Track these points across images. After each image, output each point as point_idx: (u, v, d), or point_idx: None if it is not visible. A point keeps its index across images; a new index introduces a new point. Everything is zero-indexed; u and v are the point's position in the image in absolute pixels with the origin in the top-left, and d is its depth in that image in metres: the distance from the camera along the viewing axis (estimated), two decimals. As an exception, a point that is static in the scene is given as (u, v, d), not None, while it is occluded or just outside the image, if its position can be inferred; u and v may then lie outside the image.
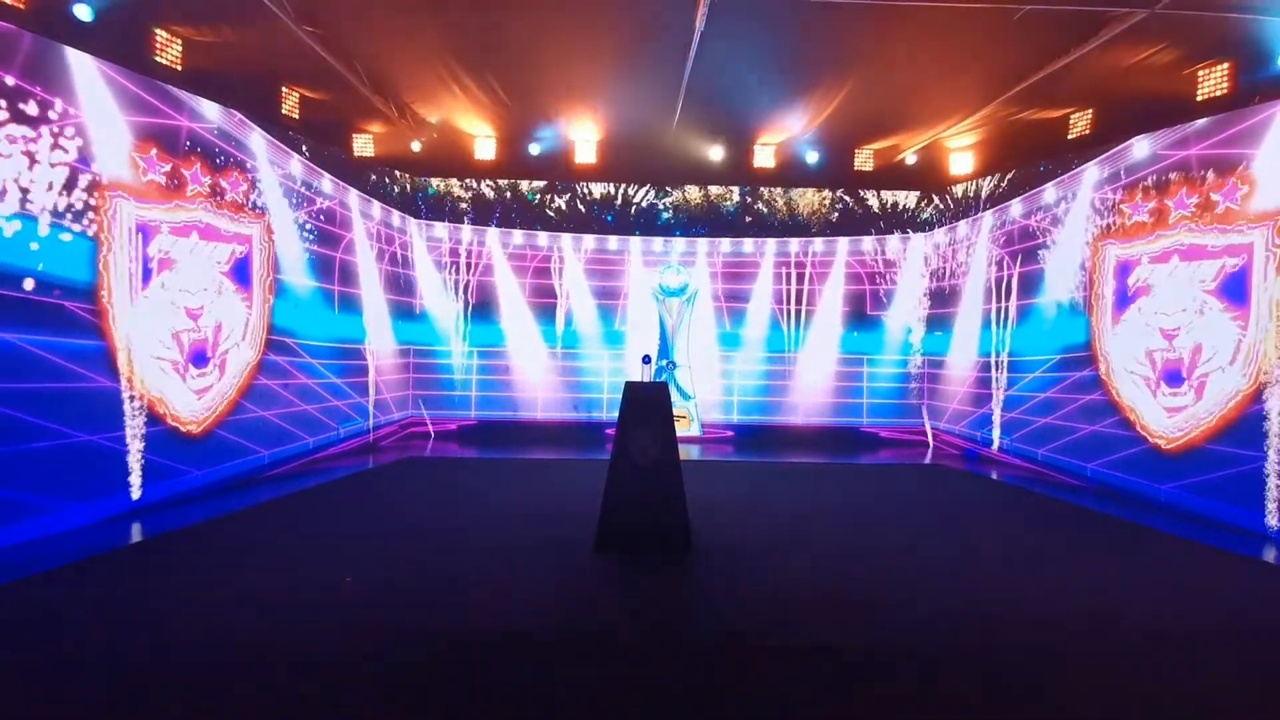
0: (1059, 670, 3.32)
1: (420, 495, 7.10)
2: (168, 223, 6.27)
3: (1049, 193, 8.69)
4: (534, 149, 9.84)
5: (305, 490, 7.05)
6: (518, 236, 11.41)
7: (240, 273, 7.18)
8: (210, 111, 6.76)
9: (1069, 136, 8.23)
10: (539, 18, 6.42)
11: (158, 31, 6.21)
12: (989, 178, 9.95)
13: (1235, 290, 6.17)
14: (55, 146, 5.18)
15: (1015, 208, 9.37)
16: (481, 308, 11.39)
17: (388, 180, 10.32)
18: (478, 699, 2.96)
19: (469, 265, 11.35)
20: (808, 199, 11.53)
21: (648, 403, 5.23)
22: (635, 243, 11.59)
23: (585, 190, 11.45)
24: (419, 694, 2.99)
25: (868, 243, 11.60)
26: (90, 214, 5.49)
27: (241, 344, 7.22)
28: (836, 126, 9.04)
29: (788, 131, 9.31)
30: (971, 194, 10.41)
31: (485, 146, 9.70)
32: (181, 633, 3.56)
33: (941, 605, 4.18)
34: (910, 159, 9.93)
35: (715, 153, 9.88)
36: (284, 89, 7.84)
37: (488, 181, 11.24)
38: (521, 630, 3.66)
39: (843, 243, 11.60)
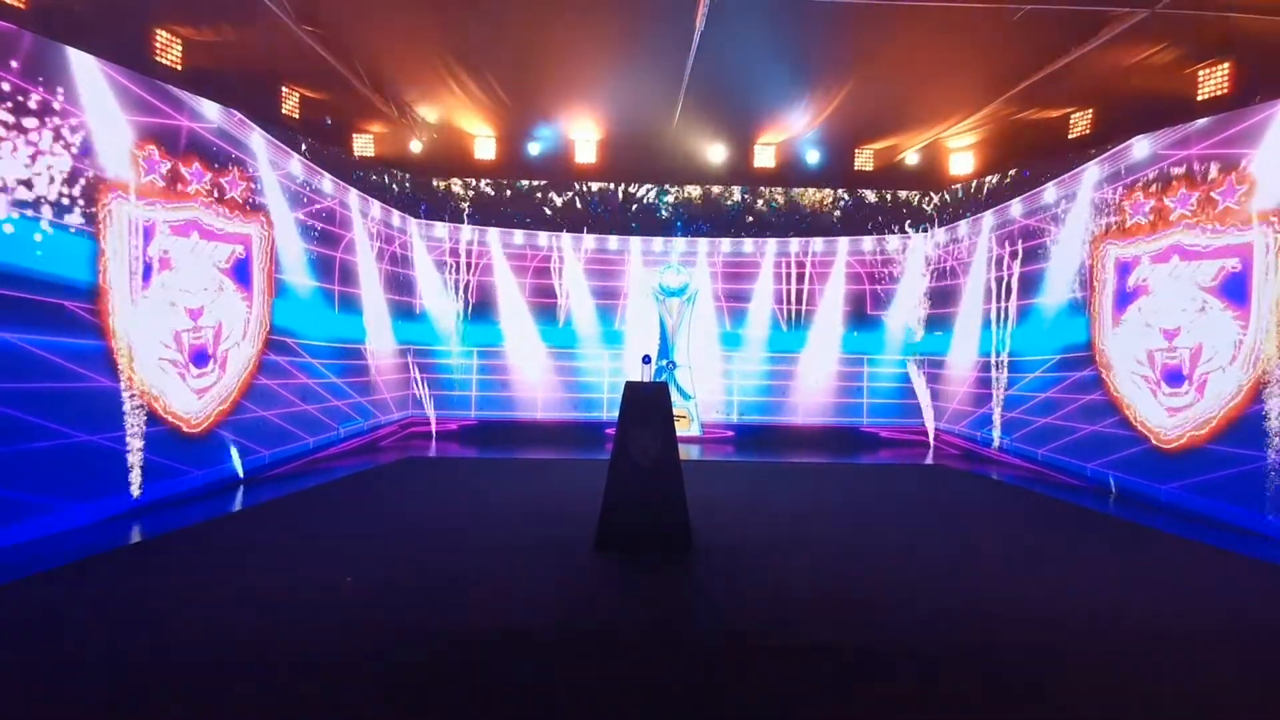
0: (1059, 670, 3.32)
1: (420, 495, 7.10)
2: (168, 222, 6.27)
3: (1049, 192, 8.69)
4: (534, 149, 9.85)
5: (305, 490, 7.05)
6: (518, 236, 11.42)
7: (240, 272, 7.18)
8: (210, 111, 6.76)
9: (1069, 136, 8.23)
10: (539, 17, 6.42)
11: (158, 31, 6.22)
12: (989, 177, 9.95)
13: (1235, 290, 6.17)
14: (55, 146, 5.18)
15: (1015, 207, 9.37)
16: (481, 307, 11.40)
17: (387, 179, 10.32)
18: (478, 699, 2.96)
19: (469, 265, 11.35)
20: (809, 196, 11.53)
21: (648, 403, 5.23)
22: (635, 242, 11.59)
23: (585, 187, 11.46)
24: (419, 694, 2.99)
25: (868, 242, 11.60)
26: (90, 213, 5.49)
27: (242, 343, 7.22)
28: (837, 126, 9.04)
29: (788, 131, 9.32)
30: (972, 194, 10.41)
31: (485, 146, 9.71)
32: (181, 632, 3.55)
33: (942, 605, 4.18)
34: (910, 159, 9.93)
35: (716, 152, 9.88)
36: (284, 89, 7.85)
37: (486, 181, 11.24)
38: (522, 630, 3.66)
39: (843, 242, 11.60)
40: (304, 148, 8.31)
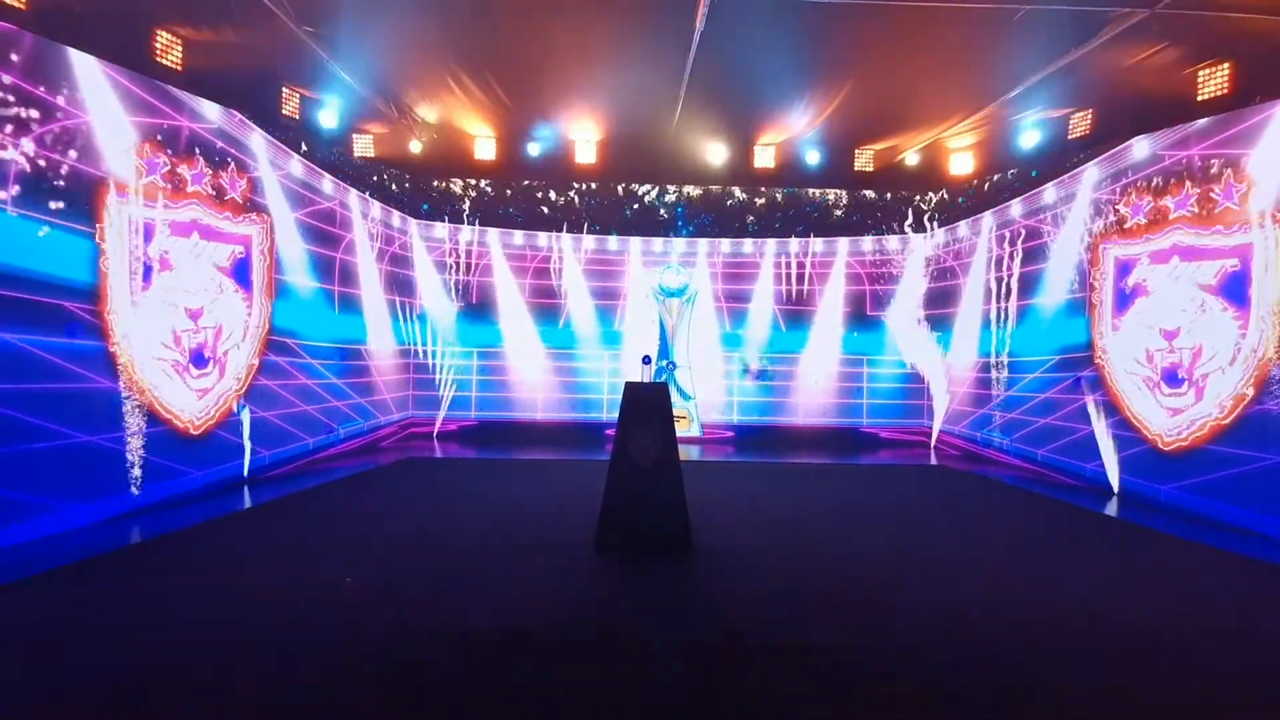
0: (1059, 671, 3.32)
1: (420, 495, 7.10)
2: (168, 222, 6.28)
3: (1049, 193, 8.69)
4: (533, 149, 9.84)
5: (305, 490, 7.05)
6: (518, 237, 11.42)
7: (240, 273, 7.18)
8: (210, 112, 6.76)
9: (1070, 136, 8.23)
10: (539, 17, 6.42)
11: (158, 32, 6.21)
12: (989, 178, 9.95)
13: (1235, 290, 6.17)
14: (56, 146, 5.19)
15: (1015, 208, 9.38)
16: (481, 308, 11.40)
17: (386, 179, 10.32)
18: (478, 699, 2.96)
19: (469, 265, 11.36)
20: (810, 196, 11.54)
21: (648, 403, 5.23)
22: (635, 243, 11.60)
23: (585, 187, 11.46)
24: (419, 694, 2.99)
25: (867, 243, 11.61)
26: (90, 214, 5.49)
27: (242, 344, 7.22)
28: (836, 127, 9.04)
29: (788, 132, 9.32)
30: (971, 194, 10.41)
31: (485, 146, 9.70)
32: (181, 633, 3.55)
33: (942, 605, 4.17)
34: (910, 159, 9.93)
35: (716, 153, 9.87)
36: (284, 89, 7.84)
37: (486, 181, 11.24)
38: (522, 630, 3.66)
39: (843, 243, 11.61)
40: (304, 148, 8.32)
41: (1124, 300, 7.38)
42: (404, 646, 3.45)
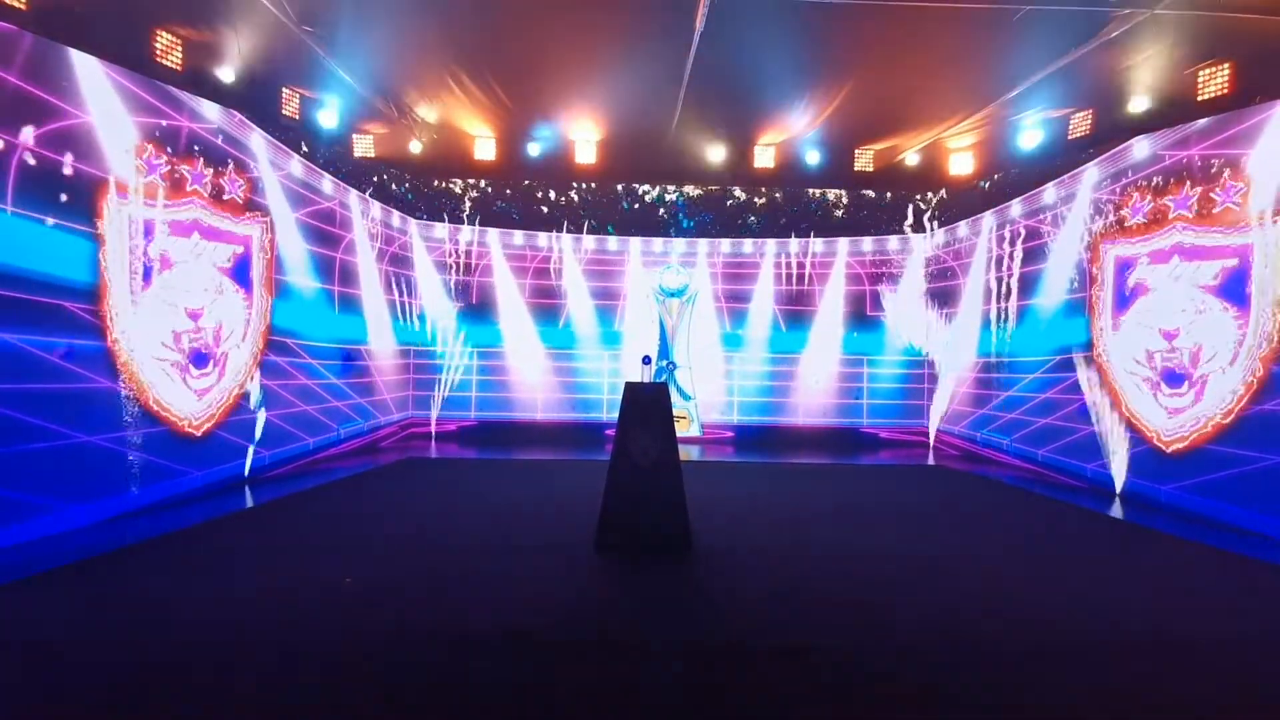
0: (1060, 671, 3.31)
1: (420, 496, 7.10)
2: (168, 222, 6.28)
3: (1049, 193, 8.69)
4: (533, 149, 9.84)
5: (305, 490, 7.05)
6: (518, 237, 11.42)
7: (241, 273, 7.18)
8: (210, 112, 6.76)
9: (1070, 136, 8.23)
10: (539, 18, 6.42)
11: (159, 33, 6.21)
12: (989, 178, 9.95)
13: (1235, 290, 6.17)
14: (55, 146, 5.19)
15: (1015, 208, 9.38)
16: (481, 308, 11.40)
17: (386, 178, 10.33)
18: (478, 699, 2.96)
19: (469, 265, 11.36)
20: (809, 196, 11.54)
21: (648, 403, 5.23)
22: (635, 243, 11.60)
23: (585, 187, 11.46)
24: (419, 694, 2.99)
25: (867, 243, 11.61)
26: (90, 214, 5.49)
27: (242, 344, 7.22)
28: (836, 127, 9.04)
29: (788, 132, 9.32)
30: (971, 194, 10.41)
31: (485, 147, 9.71)
32: (180, 633, 3.55)
33: (942, 605, 4.17)
34: (910, 159, 9.93)
35: (715, 153, 9.87)
36: (284, 89, 7.85)
37: (486, 181, 11.24)
38: (522, 630, 3.66)
39: (843, 243, 11.61)
40: (304, 148, 8.32)
41: (1124, 300, 7.38)
42: (404, 646, 3.45)
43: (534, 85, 8.12)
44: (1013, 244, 9.40)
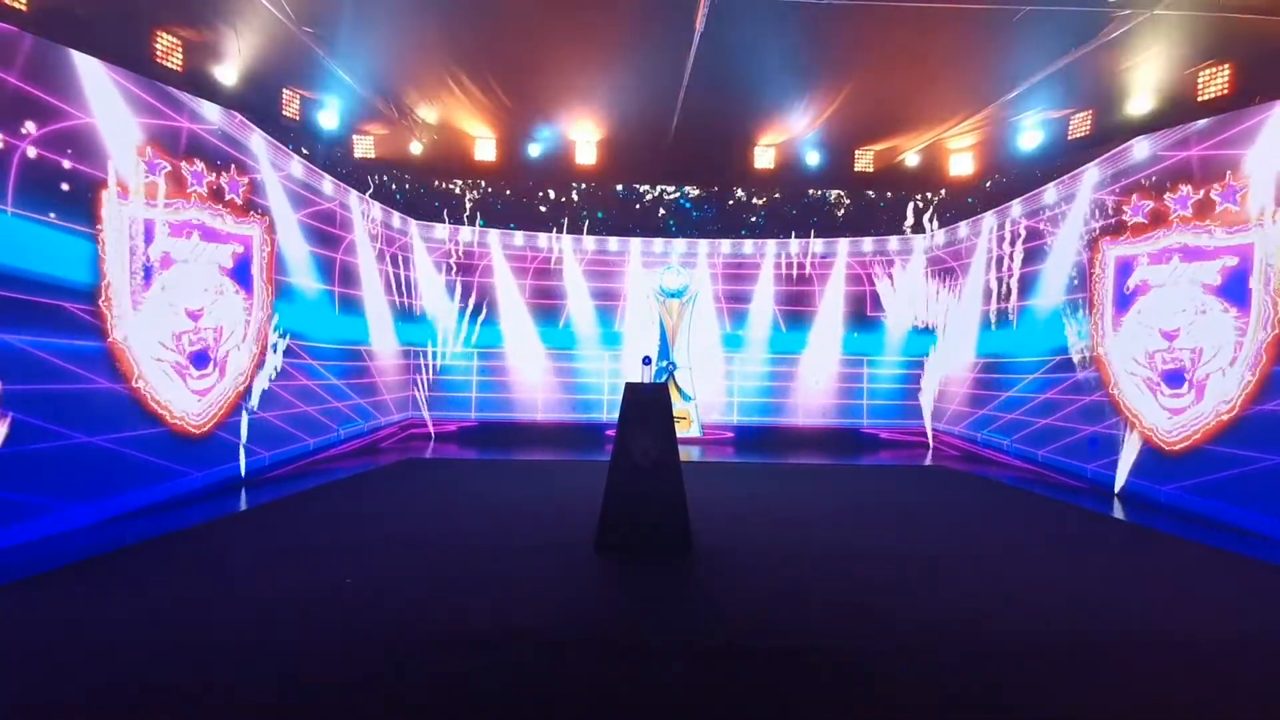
0: (1060, 671, 3.31)
1: (420, 496, 7.10)
2: (169, 223, 6.28)
3: (1049, 193, 8.70)
4: (533, 149, 9.84)
5: (305, 491, 7.05)
6: (518, 237, 11.43)
7: (241, 274, 7.18)
8: (211, 113, 6.76)
9: (1070, 137, 8.23)
10: (539, 18, 6.42)
11: (159, 34, 6.21)
12: (989, 178, 9.95)
13: (1235, 290, 6.17)
14: (55, 147, 5.19)
15: (1015, 208, 9.38)
16: (481, 309, 11.40)
17: (386, 179, 10.33)
18: (478, 699, 2.96)
19: (469, 266, 11.36)
20: (810, 197, 11.54)
21: (648, 404, 5.24)
22: (635, 243, 11.60)
23: (585, 187, 11.46)
24: (418, 694, 2.99)
25: (868, 243, 11.61)
26: (91, 215, 5.49)
27: (242, 345, 7.22)
28: (837, 127, 9.04)
29: (788, 132, 9.32)
30: (971, 195, 10.41)
31: (485, 147, 9.71)
32: (180, 633, 3.55)
33: (942, 606, 4.17)
34: (910, 160, 9.93)
35: (716, 153, 9.85)
36: (285, 90, 7.85)
37: (487, 182, 11.25)
38: (522, 630, 3.66)
39: (843, 243, 11.61)
40: (304, 149, 8.32)
41: (1124, 300, 7.38)
42: (404, 647, 3.45)
43: (534, 85, 8.13)
44: (1012, 244, 9.40)
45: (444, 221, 11.26)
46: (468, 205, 11.30)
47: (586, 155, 9.80)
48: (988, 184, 10.02)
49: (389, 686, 3.05)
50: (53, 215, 5.16)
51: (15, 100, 4.88)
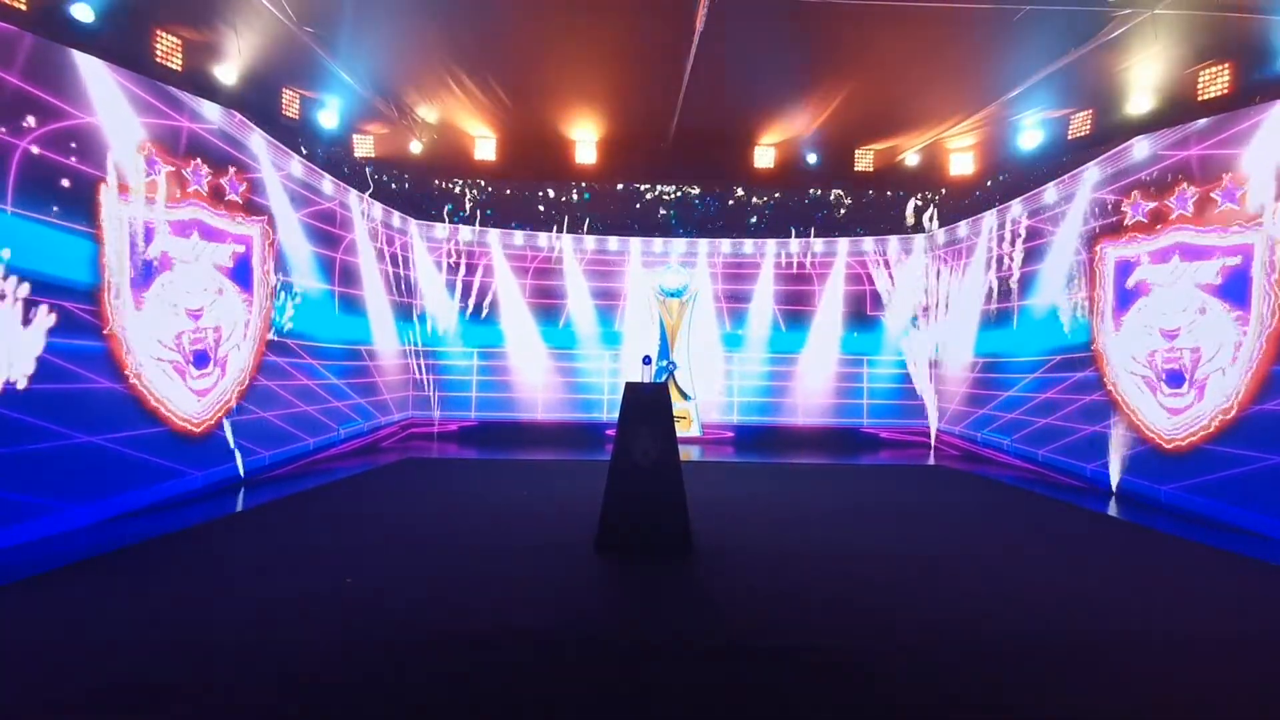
0: (1061, 672, 3.32)
1: (420, 496, 7.10)
2: (169, 223, 6.28)
3: (1049, 193, 8.70)
4: (530, 148, 9.80)
5: (306, 491, 7.05)
6: (518, 237, 11.42)
7: (241, 273, 7.18)
8: (211, 112, 6.76)
9: (1070, 137, 8.23)
10: (539, 18, 6.42)
11: (158, 33, 6.21)
12: (989, 178, 9.95)
13: (1236, 290, 6.17)
14: (55, 146, 5.19)
15: (1015, 208, 9.38)
16: (481, 308, 11.40)
17: (385, 178, 10.33)
18: (478, 699, 2.96)
19: (469, 266, 11.36)
20: (809, 196, 11.54)
21: (648, 403, 5.24)
22: (635, 243, 11.60)
23: (585, 187, 11.46)
24: (418, 694, 2.99)
25: (868, 243, 11.60)
26: (90, 214, 5.48)
27: (242, 345, 7.22)
28: (836, 127, 9.04)
29: (788, 132, 9.32)
30: (971, 195, 10.41)
31: (485, 147, 9.71)
32: (180, 633, 3.55)
33: (942, 606, 4.18)
34: (910, 159, 9.93)
35: (717, 153, 9.85)
36: (284, 90, 7.84)
37: (486, 181, 11.25)
38: (522, 630, 3.66)
39: (843, 243, 11.61)
40: (304, 149, 8.32)
41: (1124, 300, 7.38)
42: (404, 647, 3.45)
43: (534, 85, 8.12)
44: (1012, 244, 9.40)
45: (444, 221, 11.26)
46: (468, 205, 11.30)
47: (586, 155, 9.80)
48: (988, 183, 10.02)
49: (389, 686, 3.05)
50: (52, 214, 5.16)
51: (15, 99, 4.88)
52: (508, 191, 11.34)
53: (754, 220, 11.64)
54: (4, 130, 4.82)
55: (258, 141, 7.45)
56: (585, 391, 11.62)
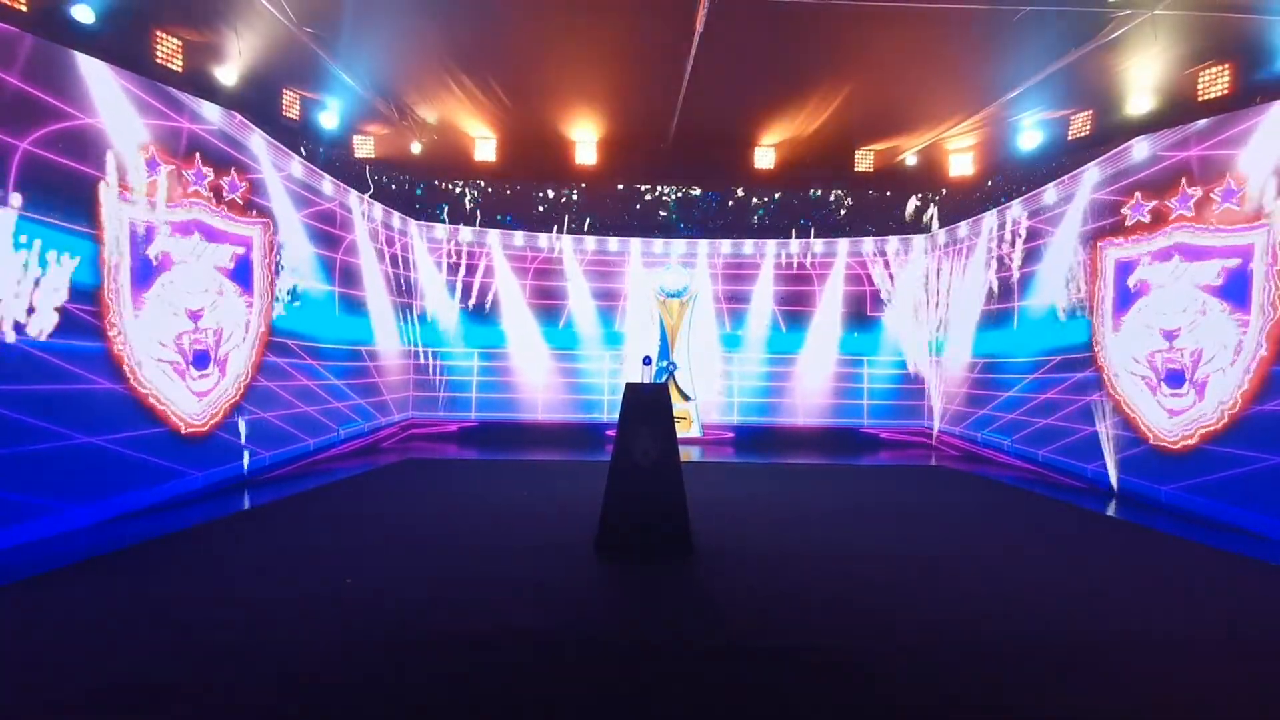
0: (1060, 672, 3.31)
1: (420, 496, 7.10)
2: (169, 223, 6.28)
3: (1049, 194, 8.70)
4: (528, 147, 9.80)
5: (306, 491, 7.05)
6: (518, 237, 11.43)
7: (241, 274, 7.19)
8: (211, 113, 6.77)
9: (1069, 137, 8.23)
10: (539, 18, 6.43)
11: (159, 34, 6.22)
12: (989, 179, 9.95)
13: (1236, 290, 6.17)
14: (56, 147, 5.19)
15: (1015, 208, 9.38)
16: (481, 309, 11.40)
17: (385, 179, 10.33)
18: (478, 699, 2.96)
19: (469, 266, 11.36)
20: (809, 197, 11.54)
21: (648, 404, 5.24)
22: (635, 244, 11.60)
23: (585, 187, 11.46)
24: (418, 694, 2.99)
25: (868, 243, 11.61)
26: (91, 215, 5.49)
27: (242, 345, 7.22)
28: (837, 127, 9.03)
29: (788, 132, 9.32)
30: (971, 195, 10.41)
31: (485, 147, 9.71)
32: (180, 634, 3.55)
33: (942, 606, 4.17)
34: (910, 160, 9.93)
35: (716, 153, 9.86)
36: (285, 91, 7.85)
37: (486, 182, 11.26)
38: (522, 631, 3.66)
39: (843, 244, 11.61)
40: (304, 150, 8.32)
41: (1124, 300, 7.38)
42: (404, 647, 3.45)
43: (534, 85, 8.13)
44: (1012, 244, 9.40)
45: (444, 221, 11.26)
46: (468, 205, 11.31)
47: (586, 155, 9.80)
48: (989, 184, 10.02)
49: (389, 686, 3.05)
50: (52, 215, 5.16)
51: (15, 100, 4.88)
52: (508, 192, 11.35)
53: (754, 221, 11.64)
54: (3, 130, 4.82)
55: (258, 142, 7.45)
56: (585, 392, 11.62)
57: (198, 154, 6.60)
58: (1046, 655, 3.49)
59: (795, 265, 11.64)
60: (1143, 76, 6.89)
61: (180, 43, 6.35)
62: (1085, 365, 7.96)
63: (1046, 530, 6.13)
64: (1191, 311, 6.58)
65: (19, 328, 4.90)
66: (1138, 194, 7.22)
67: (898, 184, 11.04)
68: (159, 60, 6.22)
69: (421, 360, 11.22)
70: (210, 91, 6.73)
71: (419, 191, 11.06)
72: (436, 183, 11.16)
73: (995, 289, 9.78)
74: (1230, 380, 6.18)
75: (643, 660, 3.37)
